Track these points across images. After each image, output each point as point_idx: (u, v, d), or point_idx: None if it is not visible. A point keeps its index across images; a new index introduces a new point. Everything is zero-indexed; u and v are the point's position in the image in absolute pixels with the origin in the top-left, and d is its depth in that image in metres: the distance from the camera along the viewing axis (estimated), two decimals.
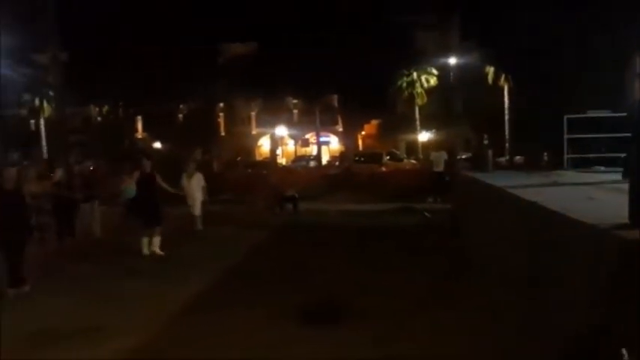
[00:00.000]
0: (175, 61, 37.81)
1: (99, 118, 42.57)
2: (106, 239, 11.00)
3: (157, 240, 9.82)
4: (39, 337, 5.70)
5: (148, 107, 41.61)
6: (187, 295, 7.20)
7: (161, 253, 9.76)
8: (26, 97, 40.91)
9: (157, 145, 42.79)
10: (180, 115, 47.12)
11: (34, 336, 5.74)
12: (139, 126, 47.11)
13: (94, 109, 42.61)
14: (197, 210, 10.81)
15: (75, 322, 6.14)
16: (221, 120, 50.88)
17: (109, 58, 35.20)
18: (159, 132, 43.06)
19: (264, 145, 51.02)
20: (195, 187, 10.88)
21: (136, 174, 9.90)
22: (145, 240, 9.76)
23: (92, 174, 11.02)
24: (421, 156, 34.34)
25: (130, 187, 11.76)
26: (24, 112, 42.73)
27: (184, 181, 10.81)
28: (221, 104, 49.18)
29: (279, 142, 47.79)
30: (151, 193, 9.87)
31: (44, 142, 38.88)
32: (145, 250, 9.71)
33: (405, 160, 34.32)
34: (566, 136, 12.88)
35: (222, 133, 50.49)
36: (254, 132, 51.67)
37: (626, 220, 4.86)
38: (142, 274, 8.46)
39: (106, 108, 42.16)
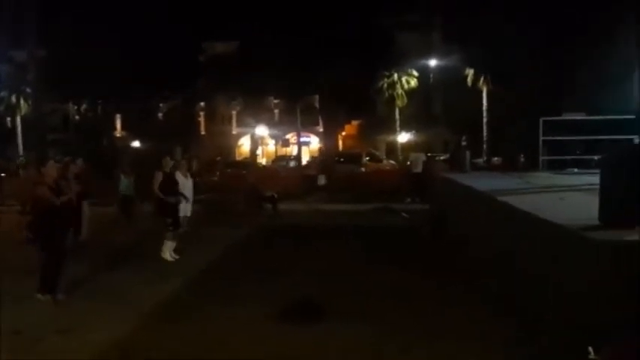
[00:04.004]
0: (157, 59, 37.58)
1: (77, 117, 41.97)
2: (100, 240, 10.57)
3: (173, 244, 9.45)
4: None
5: (127, 105, 41.18)
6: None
7: (176, 256, 9.42)
8: (3, 94, 40.19)
9: (136, 143, 42.38)
10: (160, 114, 46.76)
11: None
12: (118, 124, 46.61)
13: (72, 108, 41.98)
14: (189, 211, 10.35)
15: None
16: (201, 119, 50.59)
17: (88, 55, 34.74)
18: (138, 131, 42.66)
19: (245, 144, 50.80)
20: (190, 186, 10.39)
21: (158, 174, 9.37)
22: (170, 244, 9.36)
23: (82, 172, 10.40)
24: (400, 157, 34.51)
25: (127, 186, 11.52)
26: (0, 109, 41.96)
27: (181, 179, 10.10)
28: (201, 103, 48.92)
29: (259, 142, 47.65)
30: (174, 195, 9.43)
31: (20, 141, 38.23)
32: (167, 256, 9.30)
33: (385, 161, 34.49)
34: (541, 138, 13.13)
35: (203, 133, 50.21)
36: (234, 132, 51.40)
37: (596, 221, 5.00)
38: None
39: (84, 106, 41.59)
